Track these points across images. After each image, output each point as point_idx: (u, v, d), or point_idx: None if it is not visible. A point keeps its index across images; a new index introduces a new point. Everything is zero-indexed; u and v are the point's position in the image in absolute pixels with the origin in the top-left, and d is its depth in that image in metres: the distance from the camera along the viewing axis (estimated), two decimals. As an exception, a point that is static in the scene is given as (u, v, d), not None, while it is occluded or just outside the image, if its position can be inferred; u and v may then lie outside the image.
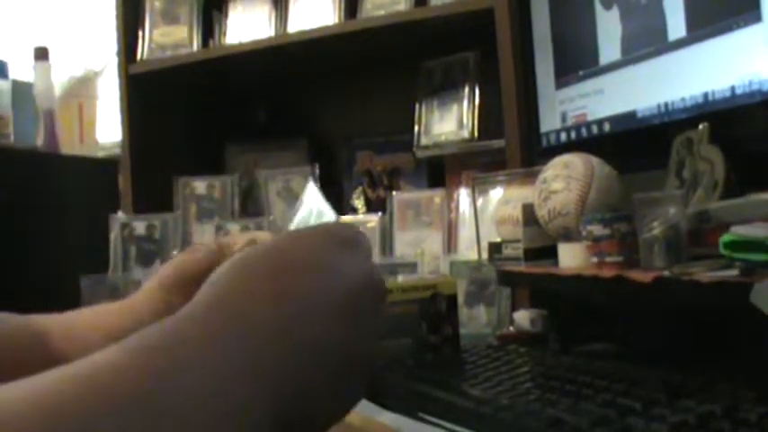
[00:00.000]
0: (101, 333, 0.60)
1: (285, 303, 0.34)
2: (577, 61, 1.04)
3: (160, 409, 0.26)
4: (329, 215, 0.72)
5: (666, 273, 0.67)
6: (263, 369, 0.32)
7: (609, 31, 0.98)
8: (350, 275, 0.37)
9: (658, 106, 0.90)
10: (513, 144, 1.27)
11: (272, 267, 0.36)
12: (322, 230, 0.41)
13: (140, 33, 1.72)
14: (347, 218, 1.62)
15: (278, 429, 0.32)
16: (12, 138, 1.62)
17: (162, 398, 0.27)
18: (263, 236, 0.67)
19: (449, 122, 1.53)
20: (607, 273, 0.75)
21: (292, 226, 0.76)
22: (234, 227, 1.60)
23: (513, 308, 1.16)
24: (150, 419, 0.26)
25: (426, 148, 1.55)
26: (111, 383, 0.26)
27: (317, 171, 1.70)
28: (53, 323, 0.61)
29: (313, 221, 0.74)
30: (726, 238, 0.61)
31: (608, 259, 0.77)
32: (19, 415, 0.24)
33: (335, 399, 0.36)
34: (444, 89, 1.56)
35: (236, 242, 0.66)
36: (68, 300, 0.76)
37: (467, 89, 1.52)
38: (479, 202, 1.21)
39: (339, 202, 1.76)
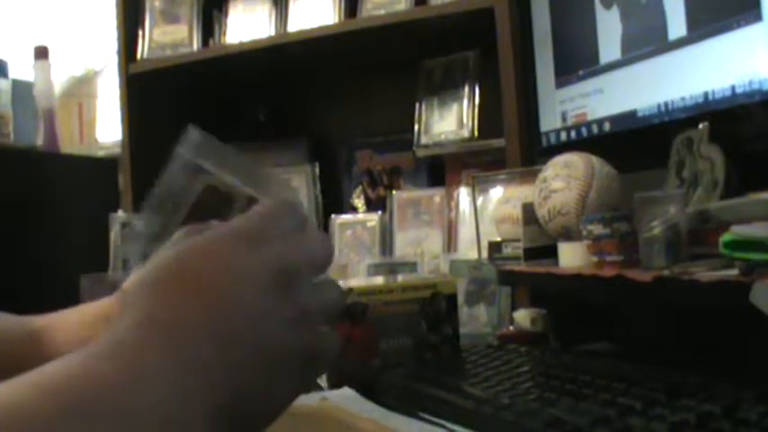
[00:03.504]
0: (86, 339, 0.62)
1: (209, 310, 0.37)
2: (577, 60, 1.04)
3: (109, 411, 0.31)
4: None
5: (666, 272, 0.67)
6: (196, 366, 0.35)
7: (609, 31, 0.98)
8: (257, 272, 0.39)
9: (658, 106, 0.90)
10: (513, 143, 1.27)
11: (179, 281, 0.38)
12: (226, 232, 0.42)
13: (140, 33, 1.72)
14: (346, 217, 1.62)
15: (222, 421, 0.35)
16: (12, 137, 1.62)
17: (108, 402, 0.31)
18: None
19: (449, 122, 1.53)
20: (607, 272, 0.75)
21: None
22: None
23: (513, 307, 1.16)
24: (101, 421, 0.30)
25: (426, 147, 1.55)
26: (67, 389, 0.31)
27: (317, 171, 1.70)
28: (44, 324, 0.62)
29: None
30: (726, 237, 0.61)
31: (608, 259, 0.76)
32: None
33: (273, 389, 0.39)
34: (444, 88, 1.56)
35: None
36: (68, 300, 0.76)
37: (467, 88, 1.52)
38: (479, 201, 1.20)
39: (339, 202, 1.76)
